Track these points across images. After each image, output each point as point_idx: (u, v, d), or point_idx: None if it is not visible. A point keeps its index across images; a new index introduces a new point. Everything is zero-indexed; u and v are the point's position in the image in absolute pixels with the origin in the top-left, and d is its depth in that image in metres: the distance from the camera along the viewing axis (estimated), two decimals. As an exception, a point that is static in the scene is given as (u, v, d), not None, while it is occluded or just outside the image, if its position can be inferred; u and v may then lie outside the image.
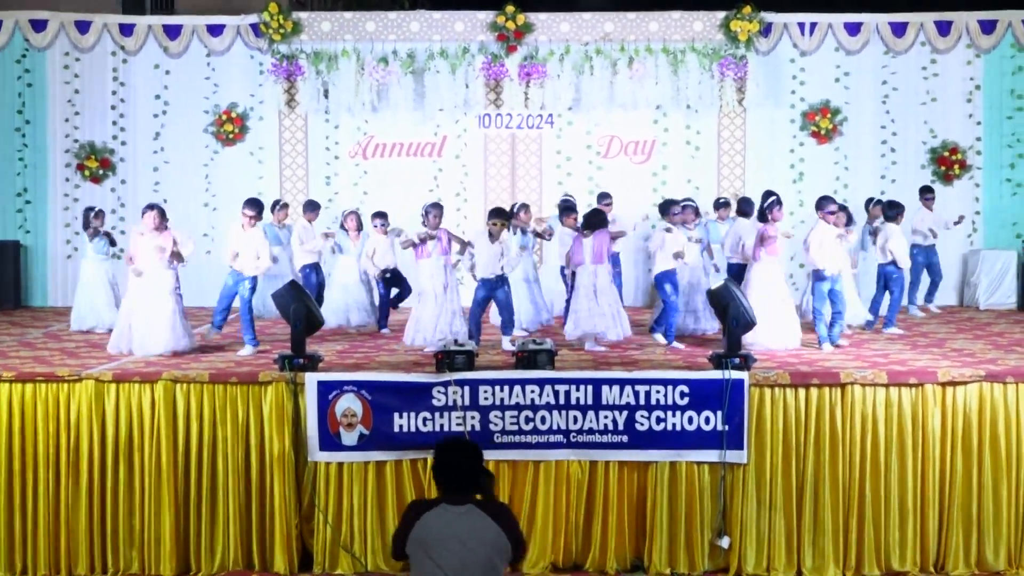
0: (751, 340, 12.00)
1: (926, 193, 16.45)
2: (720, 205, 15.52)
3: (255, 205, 13.03)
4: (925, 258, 16.05)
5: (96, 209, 15.22)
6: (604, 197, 15.50)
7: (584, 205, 15.66)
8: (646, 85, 17.21)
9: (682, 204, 13.72)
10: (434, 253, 12.78)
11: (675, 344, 12.92)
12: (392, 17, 17.54)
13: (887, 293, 14.29)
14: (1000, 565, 10.57)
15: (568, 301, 13.80)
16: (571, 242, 13.41)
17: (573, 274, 13.36)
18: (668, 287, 13.13)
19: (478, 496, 5.92)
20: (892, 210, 14.37)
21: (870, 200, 15.97)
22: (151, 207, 12.60)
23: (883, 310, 14.38)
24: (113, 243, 15.11)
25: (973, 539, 10.58)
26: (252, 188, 17.11)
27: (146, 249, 12.31)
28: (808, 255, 12.85)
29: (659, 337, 13.16)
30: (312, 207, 15.76)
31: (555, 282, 15.03)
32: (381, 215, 14.77)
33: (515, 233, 13.82)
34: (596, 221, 13.02)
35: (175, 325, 12.19)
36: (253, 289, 12.89)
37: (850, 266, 13.21)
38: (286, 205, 16.11)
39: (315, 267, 15.41)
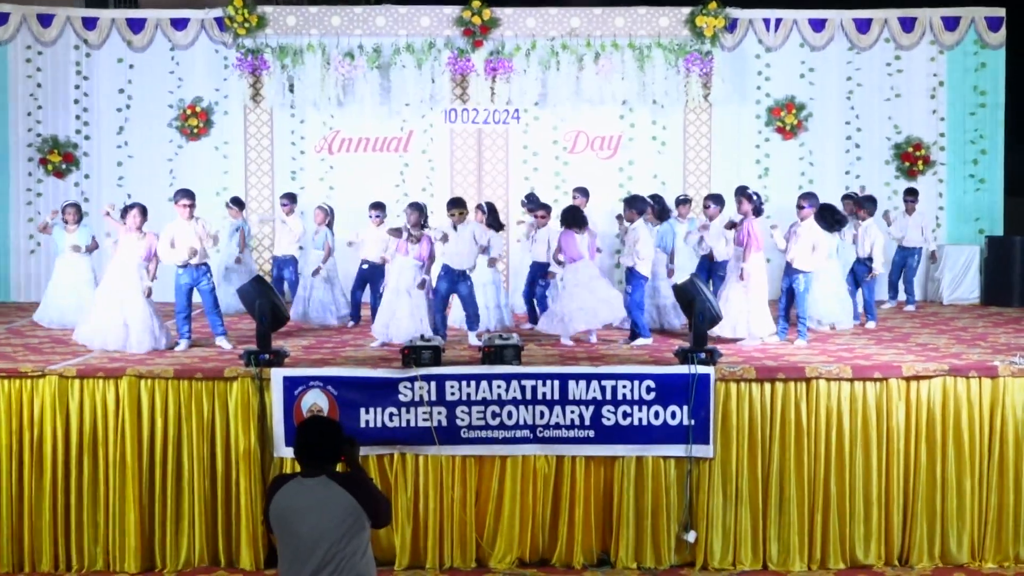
0: (719, 332, 12.17)
1: (908, 195, 16.55)
2: (681, 202, 15.53)
3: (191, 194, 12.78)
4: (901, 258, 16.33)
5: (68, 202, 14.96)
6: (581, 192, 15.48)
7: (551, 201, 15.74)
8: (612, 80, 17.22)
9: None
10: (411, 254, 12.74)
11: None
12: (358, 11, 17.49)
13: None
14: (964, 558, 10.66)
15: (541, 297, 14.17)
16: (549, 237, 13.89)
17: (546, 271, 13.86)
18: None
19: (341, 467, 6.29)
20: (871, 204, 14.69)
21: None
22: (134, 206, 12.52)
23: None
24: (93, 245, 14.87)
25: (937, 532, 10.67)
26: (217, 183, 17.10)
27: (127, 247, 12.32)
28: (793, 252, 12.86)
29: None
30: (291, 199, 15.90)
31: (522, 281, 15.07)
32: (378, 206, 14.72)
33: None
34: (582, 217, 13.17)
35: (151, 327, 12.18)
36: (212, 282, 12.82)
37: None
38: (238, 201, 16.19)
39: (282, 262, 15.48)
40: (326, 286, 14.77)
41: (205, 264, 12.74)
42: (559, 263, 13.13)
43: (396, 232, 12.97)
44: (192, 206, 12.66)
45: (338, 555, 6.00)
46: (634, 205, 13.33)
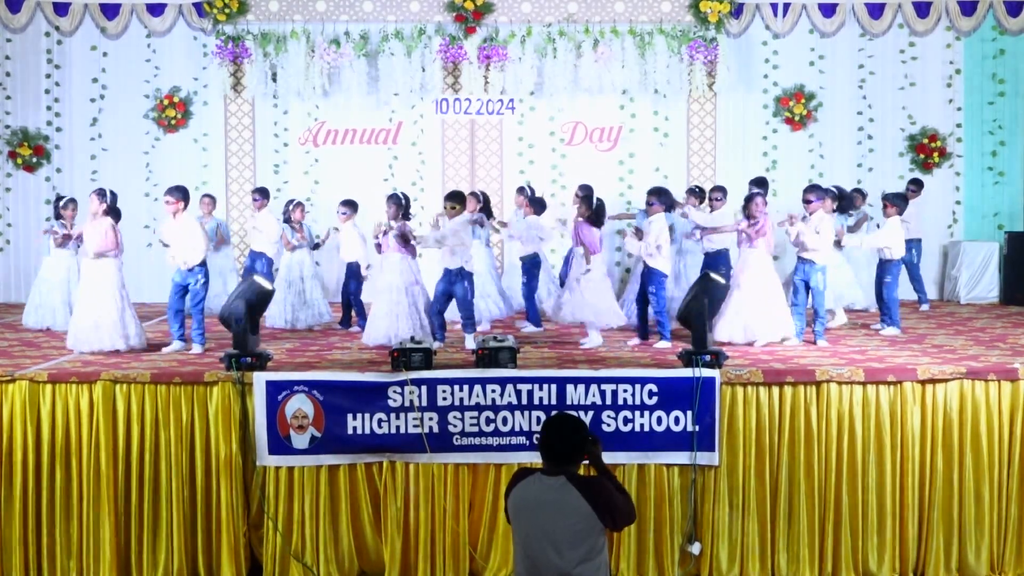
0: (731, 338, 12.20)
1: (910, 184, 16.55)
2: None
3: (177, 191, 12.74)
4: None
5: (67, 198, 14.94)
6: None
7: (548, 195, 15.78)
8: (612, 69, 17.23)
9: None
10: (392, 248, 12.75)
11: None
12: (344, -4, 17.53)
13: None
14: (982, 570, 10.64)
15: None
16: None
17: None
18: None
19: (584, 462, 6.66)
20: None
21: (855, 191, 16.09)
22: (97, 192, 12.60)
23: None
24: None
25: (954, 543, 10.64)
26: (196, 177, 17.07)
27: (93, 235, 12.34)
28: (809, 245, 12.87)
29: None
30: (263, 194, 15.61)
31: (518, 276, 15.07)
32: (348, 203, 14.77)
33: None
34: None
35: (122, 321, 12.20)
36: (206, 283, 12.75)
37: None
38: (211, 197, 16.07)
39: (255, 256, 15.34)
40: (304, 286, 14.70)
41: (200, 265, 12.62)
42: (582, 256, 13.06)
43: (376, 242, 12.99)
44: (176, 203, 12.62)
45: (567, 558, 6.27)
46: (661, 198, 13.24)
